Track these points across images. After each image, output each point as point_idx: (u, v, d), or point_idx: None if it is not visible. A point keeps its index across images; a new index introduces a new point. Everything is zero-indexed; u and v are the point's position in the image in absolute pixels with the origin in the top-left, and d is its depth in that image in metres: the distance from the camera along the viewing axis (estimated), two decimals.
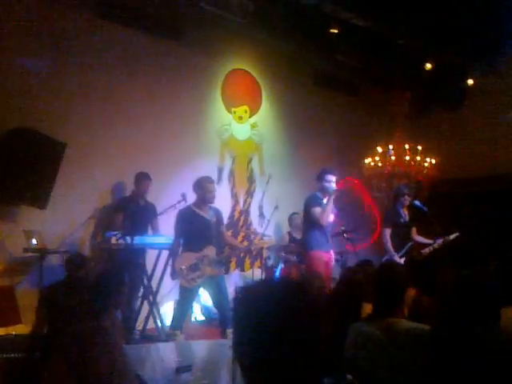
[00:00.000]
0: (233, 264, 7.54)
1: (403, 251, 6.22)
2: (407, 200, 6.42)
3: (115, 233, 5.45)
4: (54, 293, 4.03)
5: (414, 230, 6.56)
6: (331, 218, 5.84)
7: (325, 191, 5.78)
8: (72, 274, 4.22)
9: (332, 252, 5.99)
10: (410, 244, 6.33)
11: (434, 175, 7.86)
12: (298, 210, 7.62)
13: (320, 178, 5.84)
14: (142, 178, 6.10)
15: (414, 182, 7.78)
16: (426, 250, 6.34)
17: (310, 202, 5.82)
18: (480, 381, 2.21)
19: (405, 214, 6.47)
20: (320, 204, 5.76)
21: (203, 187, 5.39)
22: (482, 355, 2.24)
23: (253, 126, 8.06)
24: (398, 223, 6.38)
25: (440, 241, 6.29)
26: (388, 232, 6.29)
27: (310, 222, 5.86)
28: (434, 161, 7.76)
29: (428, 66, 7.66)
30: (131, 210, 5.93)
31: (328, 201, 5.72)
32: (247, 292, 1.30)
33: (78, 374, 2.56)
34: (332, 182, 5.77)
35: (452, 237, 6.31)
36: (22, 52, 5.74)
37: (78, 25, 6.17)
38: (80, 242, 6.14)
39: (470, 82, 8.06)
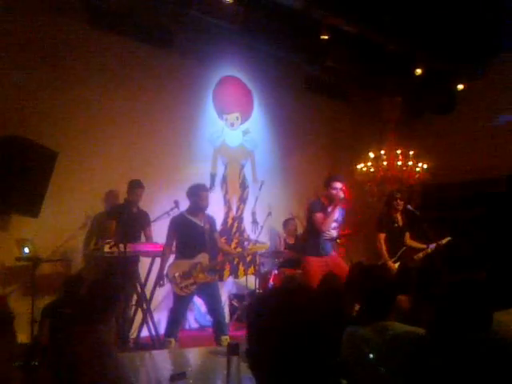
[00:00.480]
0: (226, 271, 7.53)
1: (396, 256, 6.24)
2: (400, 205, 6.40)
3: (108, 240, 5.43)
4: (55, 306, 4.09)
5: (407, 234, 6.55)
6: (332, 226, 5.78)
7: (330, 199, 5.69)
8: (70, 294, 4.26)
9: (333, 255, 5.87)
10: (403, 249, 6.33)
11: (426, 180, 7.90)
12: (291, 215, 7.68)
13: (327, 184, 5.74)
14: (135, 186, 6.08)
15: (406, 186, 7.81)
16: (420, 255, 6.35)
17: (313, 208, 5.75)
18: None
19: (398, 219, 6.49)
20: (323, 211, 5.69)
21: (197, 195, 5.38)
22: (476, 361, 2.25)
23: (245, 133, 8.08)
24: (392, 228, 6.39)
25: (433, 246, 6.30)
26: (382, 237, 6.30)
27: (310, 228, 5.83)
28: (425, 165, 7.81)
29: (418, 71, 7.70)
30: (124, 218, 5.90)
31: (333, 209, 5.65)
32: (264, 301, 1.32)
33: (70, 380, 2.54)
34: (339, 189, 5.65)
35: (444, 241, 6.33)
36: (14, 62, 5.74)
37: (70, 34, 6.18)
38: (73, 250, 6.12)
39: (460, 86, 8.12)
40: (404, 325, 2.70)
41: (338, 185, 5.67)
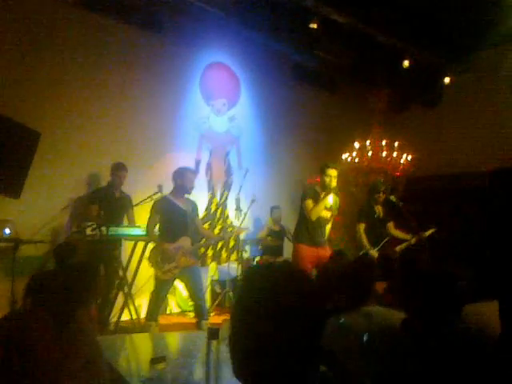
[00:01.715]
0: (209, 257, 7.53)
1: (379, 245, 6.28)
2: (381, 197, 6.45)
3: (90, 223, 5.40)
4: (44, 278, 4.00)
5: (390, 224, 6.58)
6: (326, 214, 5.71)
7: (323, 186, 5.62)
8: (61, 263, 4.19)
9: (326, 248, 5.77)
10: (386, 239, 6.39)
11: (411, 171, 7.96)
12: (275, 203, 7.68)
13: (322, 171, 5.65)
14: (118, 169, 6.03)
15: (390, 177, 7.86)
16: (402, 246, 6.40)
17: (305, 194, 5.67)
18: (444, 377, 2.26)
19: (379, 209, 6.52)
20: (314, 197, 5.61)
21: (185, 176, 5.35)
22: (449, 351, 2.29)
23: (231, 120, 8.05)
24: (372, 219, 6.43)
25: (416, 237, 6.35)
26: (362, 227, 6.33)
27: (300, 214, 5.77)
28: (410, 157, 7.86)
29: (406, 63, 7.72)
30: (106, 201, 5.87)
31: (324, 196, 5.57)
32: (250, 278, 1.29)
33: (48, 360, 2.53)
34: (332, 177, 5.57)
35: (428, 233, 6.38)
36: None
37: (55, 14, 6.09)
38: (54, 232, 6.07)
39: (447, 80, 8.16)
40: (386, 309, 2.74)
41: (333, 172, 5.59)
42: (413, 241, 6.33)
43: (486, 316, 2.61)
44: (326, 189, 5.56)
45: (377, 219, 6.48)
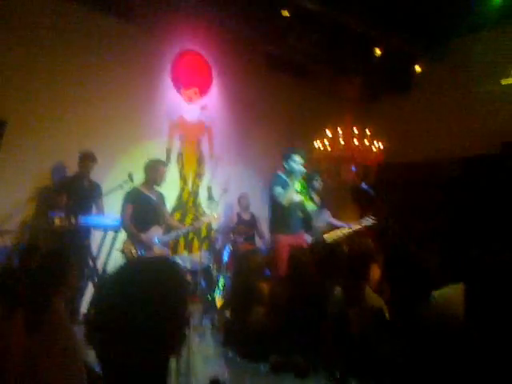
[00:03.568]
0: (181, 246, 7.48)
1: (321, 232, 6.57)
2: (320, 185, 6.78)
3: (59, 213, 5.31)
4: (8, 277, 3.93)
5: (328, 213, 6.86)
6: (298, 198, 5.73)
7: (290, 172, 5.60)
8: (24, 263, 4.13)
9: (302, 234, 5.83)
10: (324, 225, 6.67)
11: (382, 159, 7.99)
12: (246, 191, 7.65)
13: (286, 157, 5.64)
14: (86, 159, 5.95)
15: (361, 165, 7.90)
16: (339, 233, 6.61)
17: (272, 183, 5.66)
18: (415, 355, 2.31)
19: (316, 197, 6.72)
20: (282, 184, 5.57)
21: (157, 171, 5.44)
22: (417, 335, 2.35)
23: (202, 108, 7.97)
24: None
25: (355, 226, 6.52)
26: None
27: (272, 205, 5.72)
28: (381, 145, 7.89)
29: (377, 51, 7.74)
30: (75, 191, 5.78)
31: (292, 181, 5.54)
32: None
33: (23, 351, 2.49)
34: (298, 162, 5.57)
35: (364, 222, 6.54)
36: None
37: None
38: (22, 222, 5.95)
39: (418, 68, 8.21)
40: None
41: (298, 158, 5.60)
42: (352, 230, 6.56)
43: (453, 299, 2.65)
44: (293, 174, 5.55)
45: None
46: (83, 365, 2.69)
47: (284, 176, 5.67)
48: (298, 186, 5.70)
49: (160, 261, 1.39)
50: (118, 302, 1.21)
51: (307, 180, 6.52)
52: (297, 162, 5.58)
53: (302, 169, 5.58)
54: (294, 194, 5.62)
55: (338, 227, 6.77)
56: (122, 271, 1.32)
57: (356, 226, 6.59)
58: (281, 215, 5.61)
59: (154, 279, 1.26)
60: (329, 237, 6.45)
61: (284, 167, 5.67)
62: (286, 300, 3.90)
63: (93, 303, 1.30)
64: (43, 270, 3.06)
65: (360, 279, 3.46)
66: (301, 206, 5.86)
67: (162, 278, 1.27)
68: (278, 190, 5.55)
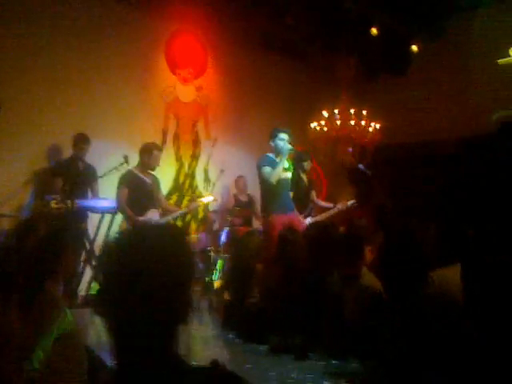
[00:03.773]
0: None
1: (306, 212, 6.58)
2: (308, 165, 6.83)
3: (55, 196, 5.29)
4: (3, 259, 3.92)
5: (313, 193, 6.89)
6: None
7: (277, 151, 5.55)
8: (21, 242, 4.10)
9: (295, 213, 5.80)
10: (310, 206, 6.68)
11: (379, 140, 7.97)
12: (243, 173, 7.63)
13: (272, 136, 5.60)
14: (81, 141, 5.91)
15: (358, 146, 7.88)
16: (325, 214, 6.65)
17: (260, 163, 5.59)
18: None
19: (304, 178, 6.77)
20: (270, 164, 5.52)
21: (152, 155, 5.41)
22: (420, 315, 2.36)
23: (198, 89, 7.91)
24: (299, 187, 6.53)
25: (339, 206, 6.54)
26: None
27: (262, 186, 5.67)
28: (378, 125, 7.87)
29: (374, 31, 7.67)
30: (70, 174, 5.75)
31: (280, 160, 5.49)
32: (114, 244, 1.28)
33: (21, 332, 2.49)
34: (285, 140, 5.53)
35: (350, 203, 6.59)
36: None
37: None
38: (18, 206, 5.93)
39: (415, 48, 8.15)
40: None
41: (284, 136, 5.57)
42: (336, 210, 6.60)
43: (450, 280, 2.66)
44: (282, 152, 5.52)
45: (303, 187, 6.71)
46: (81, 348, 2.70)
47: (272, 156, 5.63)
48: (286, 164, 5.66)
49: (167, 227, 1.37)
50: (124, 267, 1.19)
51: (296, 159, 6.55)
52: (283, 140, 5.53)
53: (288, 146, 5.52)
54: (282, 172, 5.57)
55: (323, 208, 6.82)
56: (127, 237, 1.31)
57: (341, 207, 6.62)
58: (271, 194, 5.56)
59: (162, 244, 1.24)
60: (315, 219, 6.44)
61: (271, 146, 5.64)
62: (277, 281, 3.91)
63: (99, 267, 1.29)
64: (39, 253, 3.05)
65: (356, 259, 3.47)
66: (288, 185, 5.82)
67: (170, 244, 1.26)
68: (267, 169, 5.49)
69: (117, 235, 1.30)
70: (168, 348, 1.22)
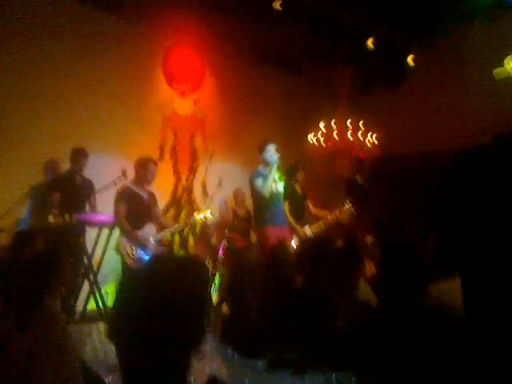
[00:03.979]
0: (176, 243, 7.45)
1: (302, 222, 6.51)
2: (301, 175, 6.75)
3: (52, 210, 5.30)
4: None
5: (309, 202, 6.86)
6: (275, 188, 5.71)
7: (266, 162, 5.61)
8: (17, 253, 4.09)
9: (285, 226, 5.85)
10: (305, 215, 6.65)
11: (376, 152, 7.98)
12: (241, 186, 7.63)
13: (260, 149, 5.68)
14: (78, 155, 5.90)
15: (355, 158, 7.90)
16: (320, 223, 6.54)
17: (251, 177, 5.66)
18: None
19: (298, 188, 6.74)
20: (260, 176, 5.58)
21: (147, 169, 5.42)
22: (413, 329, 2.35)
23: (195, 102, 7.93)
24: (294, 197, 6.55)
25: (334, 214, 6.53)
26: (286, 205, 6.34)
27: (254, 198, 5.73)
28: (375, 137, 7.88)
29: (370, 43, 7.72)
30: (68, 189, 5.74)
31: (270, 171, 5.55)
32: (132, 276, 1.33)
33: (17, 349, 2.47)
34: (272, 151, 5.60)
35: (345, 209, 6.56)
36: None
37: None
38: (15, 221, 5.91)
39: (411, 59, 8.19)
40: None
41: (271, 147, 5.63)
42: (330, 218, 6.48)
43: (449, 293, 2.65)
44: (269, 164, 5.57)
45: (298, 196, 6.68)
46: (78, 364, 2.68)
47: (262, 169, 5.67)
48: (276, 175, 5.69)
49: (190, 260, 1.40)
50: (143, 299, 1.22)
51: (291, 170, 6.58)
52: (270, 152, 5.59)
53: (276, 156, 5.58)
54: (274, 184, 5.62)
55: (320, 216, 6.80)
56: (151, 267, 1.34)
57: (339, 214, 6.59)
58: (264, 207, 5.62)
59: (183, 278, 1.27)
60: (312, 228, 6.43)
61: (260, 159, 5.68)
62: (271, 295, 3.91)
63: (119, 299, 1.30)
64: (37, 268, 3.04)
65: (353, 272, 3.46)
66: (280, 197, 5.85)
67: (191, 277, 1.28)
68: (259, 182, 5.56)
69: (139, 271, 1.34)
70: (180, 376, 1.26)
